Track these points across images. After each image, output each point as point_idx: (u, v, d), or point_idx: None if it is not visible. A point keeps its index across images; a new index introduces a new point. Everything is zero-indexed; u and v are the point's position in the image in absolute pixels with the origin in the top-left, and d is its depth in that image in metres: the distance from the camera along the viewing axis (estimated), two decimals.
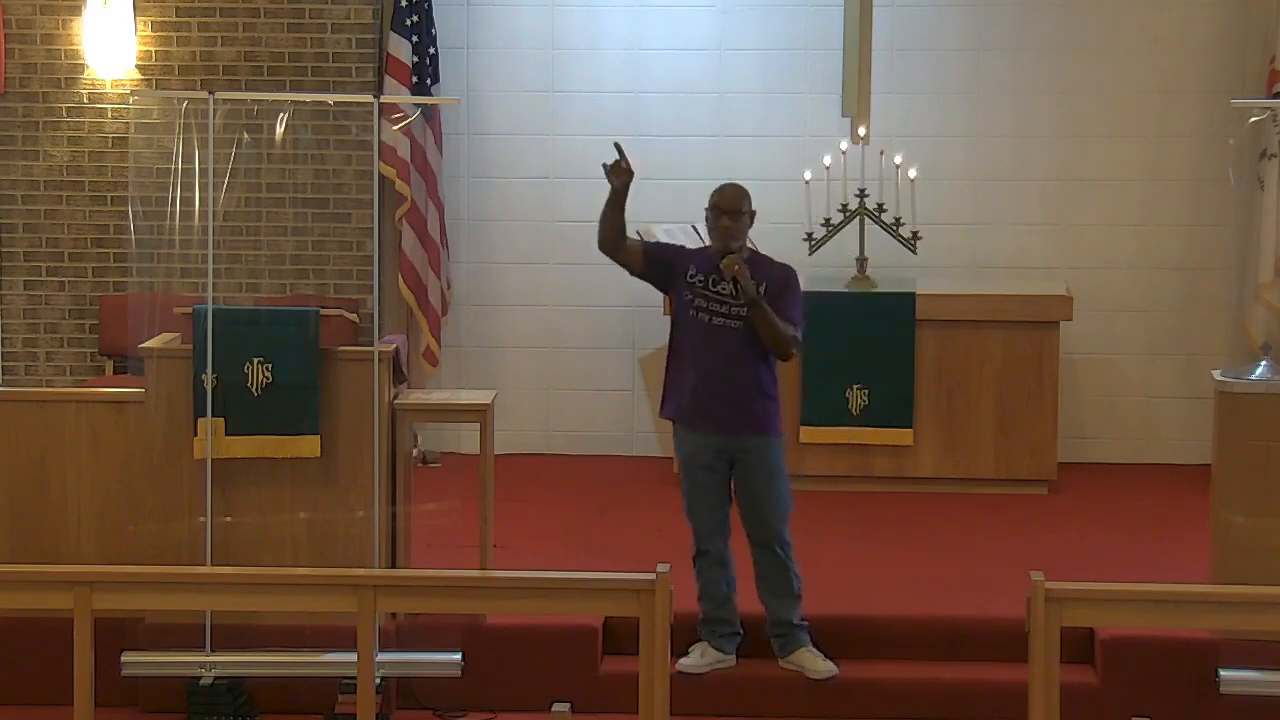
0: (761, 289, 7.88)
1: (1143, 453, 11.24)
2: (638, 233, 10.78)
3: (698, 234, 10.85)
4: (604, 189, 11.19)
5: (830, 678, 8.02)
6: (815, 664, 8.04)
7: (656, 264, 8.09)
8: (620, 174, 7.98)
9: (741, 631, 8.13)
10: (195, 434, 8.17)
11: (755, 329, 7.87)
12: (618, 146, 8.00)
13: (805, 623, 8.11)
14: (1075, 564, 8.93)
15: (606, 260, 11.31)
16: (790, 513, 8.06)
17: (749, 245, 8.12)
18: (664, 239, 10.70)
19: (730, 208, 7.96)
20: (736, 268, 7.83)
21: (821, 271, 10.60)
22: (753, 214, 8.06)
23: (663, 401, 8.17)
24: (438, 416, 9.85)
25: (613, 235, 8.04)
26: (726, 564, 8.07)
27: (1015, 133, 11.24)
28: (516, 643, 8.21)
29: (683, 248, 8.29)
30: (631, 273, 8.14)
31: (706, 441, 7.99)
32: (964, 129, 11.24)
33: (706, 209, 8.04)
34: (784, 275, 8.02)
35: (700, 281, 7.96)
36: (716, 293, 7.92)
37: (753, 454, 7.97)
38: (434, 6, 10.97)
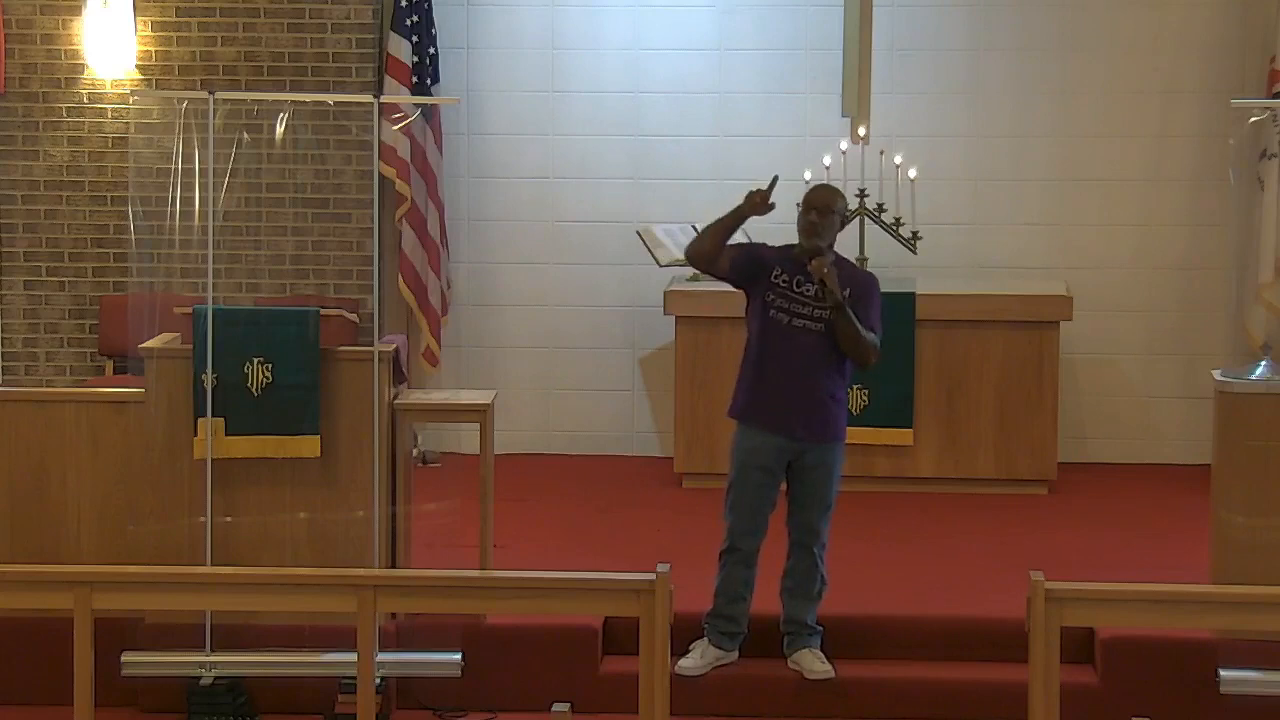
0: (845, 294, 7.82)
1: (1143, 453, 11.24)
2: (637, 233, 10.87)
3: (697, 234, 10.84)
4: (603, 188, 11.31)
5: (825, 680, 8.00)
6: (814, 665, 8.04)
7: (742, 264, 7.95)
8: (758, 206, 7.83)
9: (746, 633, 8.12)
10: (195, 434, 8.17)
11: (835, 333, 7.82)
12: (775, 180, 7.85)
13: (820, 628, 8.10)
14: (1075, 564, 8.93)
15: (606, 260, 11.41)
16: (832, 514, 8.05)
17: (833, 250, 8.03)
18: (663, 239, 10.72)
19: (820, 204, 7.88)
20: (825, 270, 7.76)
21: None
22: (845, 217, 8.04)
23: (734, 399, 8.05)
24: (438, 416, 9.85)
25: (713, 251, 7.90)
26: (752, 565, 8.04)
27: (1015, 133, 11.24)
28: (516, 643, 8.21)
29: (767, 246, 8.13)
30: (715, 275, 8.03)
31: (771, 443, 7.92)
32: (964, 129, 11.24)
33: (797, 204, 7.98)
34: (867, 282, 7.99)
35: (784, 282, 7.88)
36: (800, 294, 7.85)
37: (815, 457, 7.92)
38: (434, 6, 10.97)
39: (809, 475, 7.95)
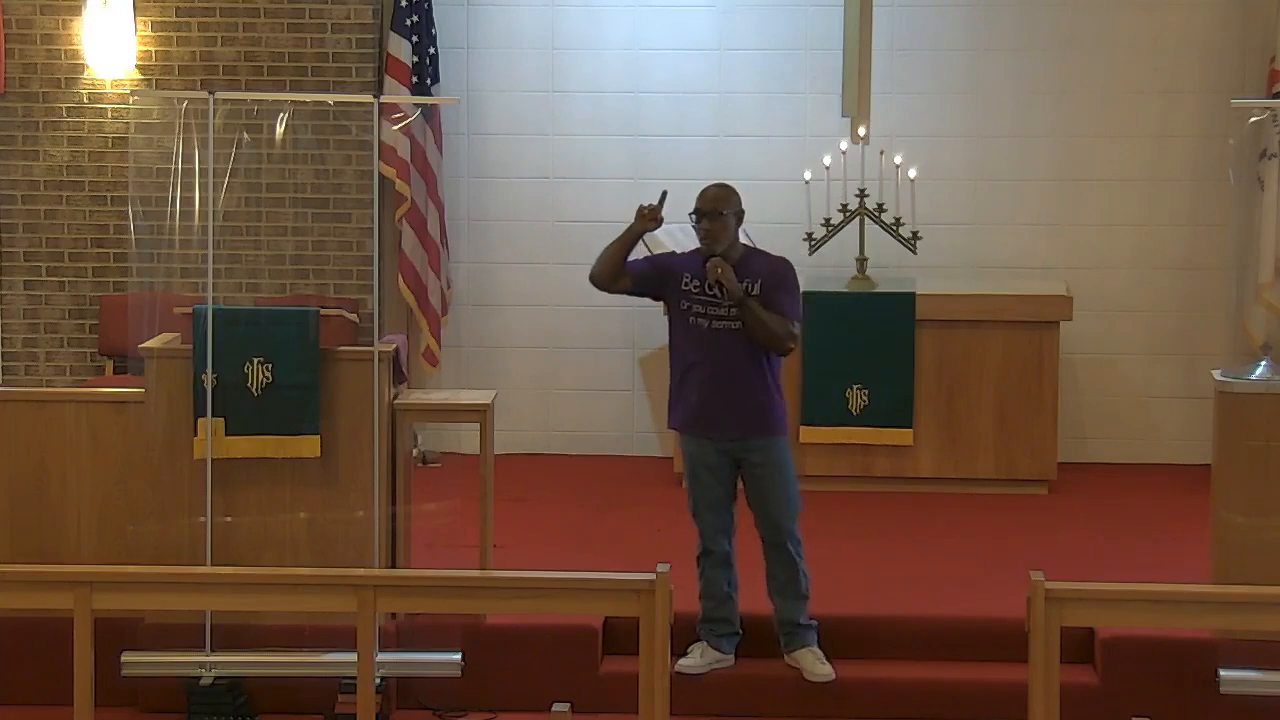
0: (756, 285, 7.85)
1: (1143, 453, 11.23)
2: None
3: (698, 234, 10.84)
4: (603, 188, 11.31)
5: (826, 682, 8.01)
6: (815, 666, 8.04)
7: (647, 278, 8.06)
8: (647, 221, 7.91)
9: (741, 631, 8.14)
10: (195, 434, 8.17)
11: (746, 328, 7.85)
12: (664, 195, 7.94)
13: (814, 623, 8.11)
14: (1075, 564, 8.93)
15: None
16: (800, 511, 8.06)
17: (744, 241, 8.07)
18: (665, 240, 10.71)
19: (709, 209, 7.92)
20: (719, 270, 7.81)
21: (821, 271, 10.60)
22: (739, 213, 7.98)
23: (669, 412, 8.14)
24: (438, 416, 9.85)
25: (612, 273, 8.01)
26: (730, 564, 8.07)
27: (1015, 133, 11.23)
28: (516, 643, 8.21)
29: (672, 255, 8.22)
30: (623, 293, 8.13)
31: (711, 444, 7.98)
32: (964, 129, 11.23)
33: (690, 212, 8.01)
34: (778, 268, 7.98)
35: (696, 288, 7.93)
36: (712, 296, 7.90)
37: (758, 454, 7.96)
38: (434, 6, 10.97)
39: (756, 473, 7.97)
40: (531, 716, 7.91)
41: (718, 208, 7.91)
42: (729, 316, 7.87)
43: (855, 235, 10.69)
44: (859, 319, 10.44)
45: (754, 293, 7.85)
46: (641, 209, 7.93)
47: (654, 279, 8.05)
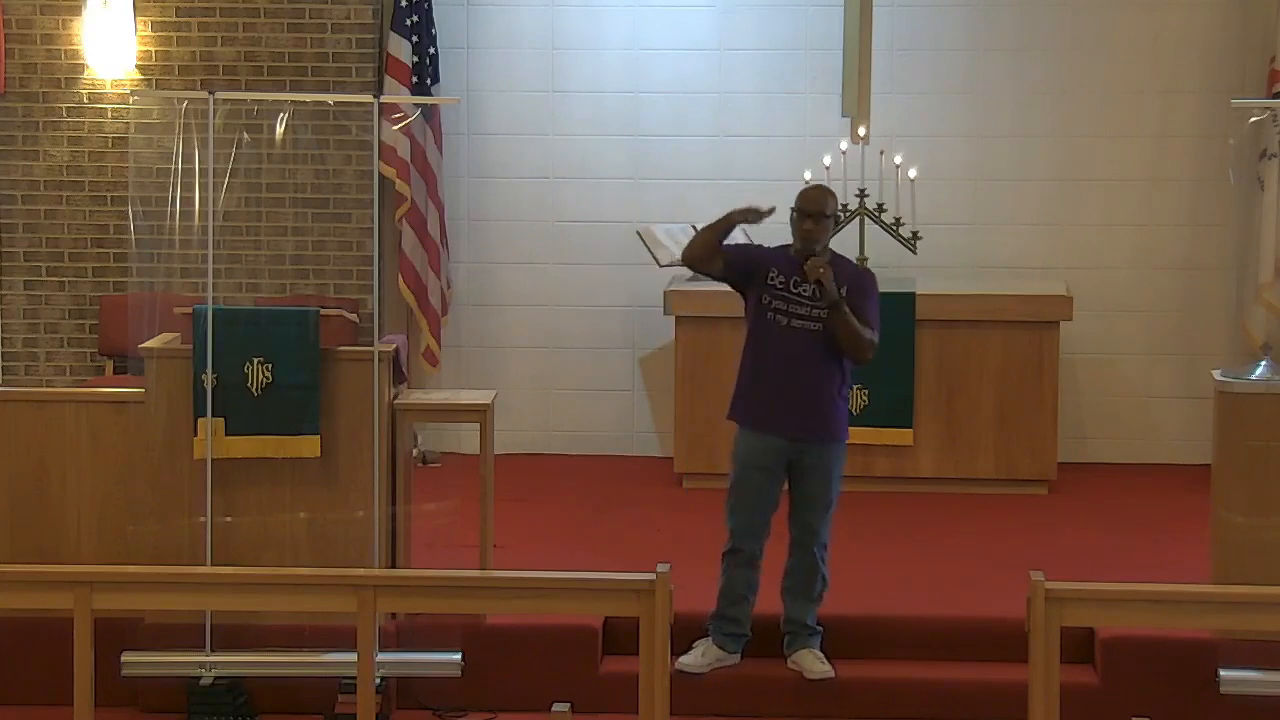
0: (842, 292, 7.84)
1: (1143, 453, 11.23)
2: (637, 233, 10.87)
3: (692, 237, 10.83)
4: (603, 188, 11.31)
5: (823, 679, 8.01)
6: (814, 666, 8.04)
7: (737, 265, 7.97)
8: (749, 218, 7.87)
9: (749, 634, 8.12)
10: (195, 434, 8.17)
11: (832, 332, 7.82)
12: (772, 210, 7.88)
13: (820, 628, 8.10)
14: (1075, 564, 8.93)
15: (606, 260, 11.40)
16: (833, 514, 8.06)
17: (829, 248, 8.04)
18: (663, 239, 10.72)
19: (813, 210, 7.90)
20: (821, 270, 7.78)
21: None
22: (837, 217, 8.06)
23: (733, 404, 8.08)
24: (438, 416, 9.85)
25: (706, 253, 7.93)
26: (756, 567, 8.04)
27: (1015, 133, 11.24)
28: (516, 643, 8.21)
29: (762, 248, 8.13)
30: (712, 276, 8.07)
31: (770, 443, 7.93)
32: (964, 129, 11.24)
33: (791, 209, 7.98)
34: (864, 279, 8.01)
35: (781, 283, 7.89)
36: (797, 295, 7.86)
37: (814, 458, 7.93)
38: (434, 6, 10.97)
39: (808, 476, 7.95)
40: (531, 716, 7.91)
41: (822, 209, 7.91)
42: (809, 316, 7.84)
43: (855, 235, 10.69)
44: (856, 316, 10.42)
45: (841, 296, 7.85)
46: (750, 211, 7.86)
47: (745, 266, 7.96)
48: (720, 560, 8.07)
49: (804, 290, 7.85)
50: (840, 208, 10.67)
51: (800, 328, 7.86)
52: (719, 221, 7.92)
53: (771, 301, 7.89)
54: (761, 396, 7.94)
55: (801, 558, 8.02)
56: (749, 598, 8.07)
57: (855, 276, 7.99)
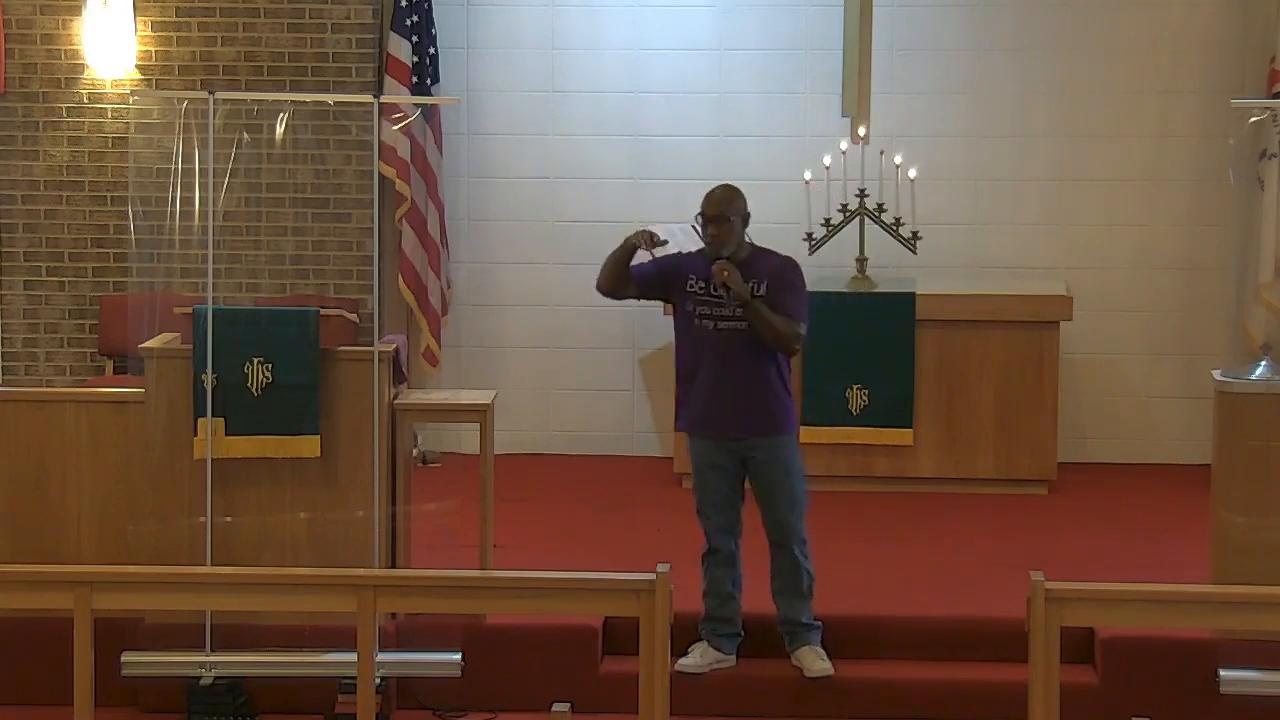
0: (762, 286, 7.86)
1: (1143, 453, 11.23)
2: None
3: (697, 233, 10.83)
4: (603, 188, 11.31)
5: (824, 677, 8.01)
6: (814, 663, 8.04)
7: (651, 282, 8.08)
8: (646, 246, 7.97)
9: (742, 633, 8.13)
10: (195, 434, 8.17)
11: (753, 328, 7.86)
12: (665, 244, 8.02)
13: (817, 622, 8.11)
14: (1075, 564, 8.93)
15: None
16: (805, 510, 8.06)
17: (749, 242, 8.06)
18: (663, 238, 10.71)
19: (714, 214, 7.92)
20: (725, 274, 7.81)
21: (821, 271, 10.59)
22: (746, 216, 7.99)
23: (676, 416, 8.16)
24: (438, 416, 9.85)
25: (614, 283, 8.04)
26: (734, 563, 8.07)
27: (1015, 133, 11.24)
28: (516, 643, 8.21)
29: (678, 256, 8.20)
30: (629, 298, 8.18)
31: (717, 443, 7.98)
32: (964, 129, 11.23)
33: (696, 214, 8.01)
34: (784, 268, 7.99)
35: (701, 288, 7.93)
36: (717, 298, 7.90)
37: (764, 453, 7.96)
38: (434, 6, 10.97)
39: (763, 472, 7.98)
40: (531, 716, 7.91)
41: (723, 211, 7.92)
42: (735, 317, 7.87)
43: (855, 235, 10.69)
44: (859, 319, 10.44)
45: (760, 293, 7.85)
46: (645, 235, 7.94)
47: (659, 282, 8.07)
48: (700, 564, 8.08)
49: (718, 292, 7.90)
50: (843, 208, 10.74)
51: (728, 328, 7.90)
52: (618, 249, 8.00)
53: (696, 308, 7.94)
54: (701, 402, 7.99)
55: (782, 557, 8.03)
56: (736, 595, 8.09)
57: (777, 270, 7.97)
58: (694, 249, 8.13)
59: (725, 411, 7.94)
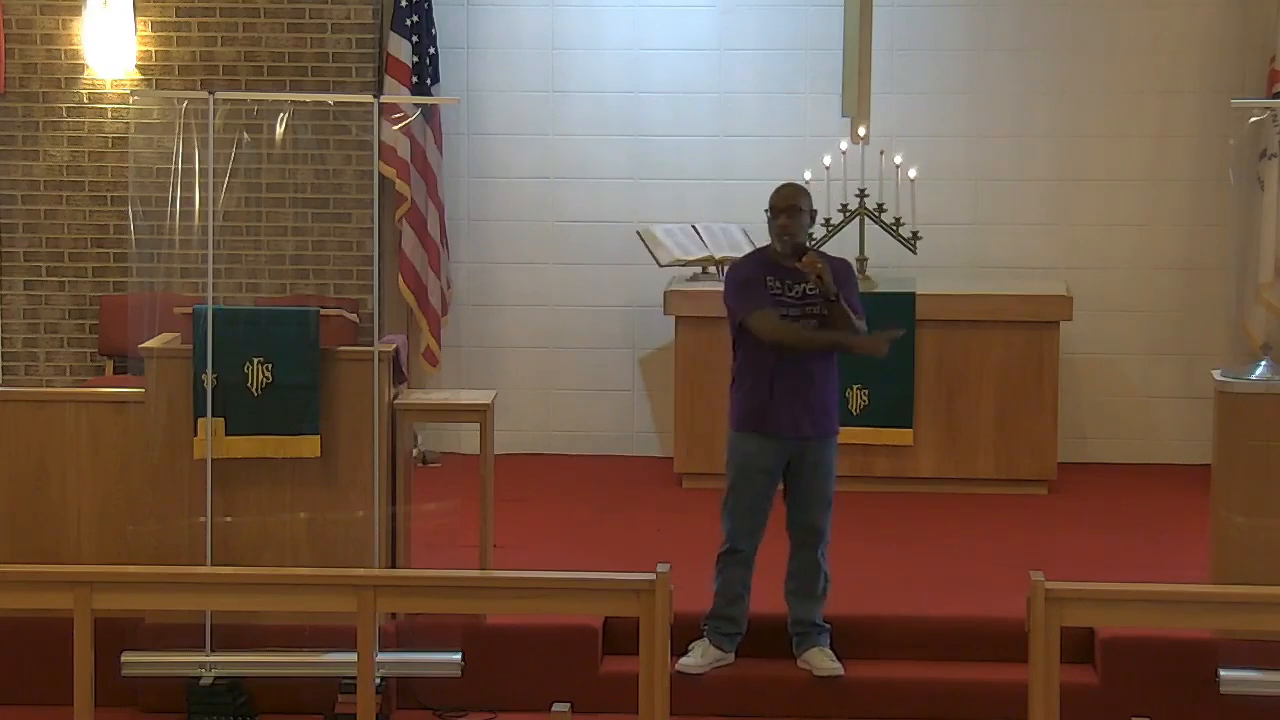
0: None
1: (1143, 453, 11.23)
2: (638, 233, 10.86)
3: (697, 233, 10.87)
4: (603, 188, 11.31)
5: (835, 676, 8.01)
6: (823, 663, 8.04)
7: (754, 298, 7.93)
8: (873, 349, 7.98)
9: (744, 633, 8.13)
10: (195, 434, 8.17)
11: (833, 324, 7.84)
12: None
13: (828, 626, 8.12)
14: (1075, 564, 8.93)
15: (606, 260, 11.43)
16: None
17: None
18: (663, 239, 10.72)
19: (786, 205, 7.91)
20: (820, 265, 7.79)
21: None
22: (814, 212, 8.06)
23: (735, 415, 8.04)
24: (438, 416, 9.85)
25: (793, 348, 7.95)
26: (750, 566, 8.05)
27: (1015, 133, 11.24)
28: (516, 643, 8.21)
29: (742, 267, 8.10)
30: None
31: (774, 445, 7.94)
32: (964, 129, 11.23)
33: (765, 210, 7.99)
34: (844, 268, 8.02)
35: (779, 288, 7.90)
36: (793, 297, 7.88)
37: (815, 454, 7.96)
38: (434, 6, 10.97)
39: (810, 473, 7.97)
40: (531, 716, 7.90)
41: (796, 203, 7.92)
42: (809, 315, 7.87)
43: (855, 235, 10.69)
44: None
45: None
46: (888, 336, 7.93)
47: (757, 293, 7.92)
48: (715, 561, 8.07)
49: (798, 291, 7.87)
50: (843, 208, 10.74)
51: (804, 327, 7.89)
52: (831, 343, 7.90)
53: (778, 310, 7.90)
54: (770, 400, 7.93)
55: (806, 558, 8.03)
56: (745, 597, 8.09)
57: (839, 267, 8.01)
58: (749, 251, 8.02)
59: (797, 411, 7.89)
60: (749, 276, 7.99)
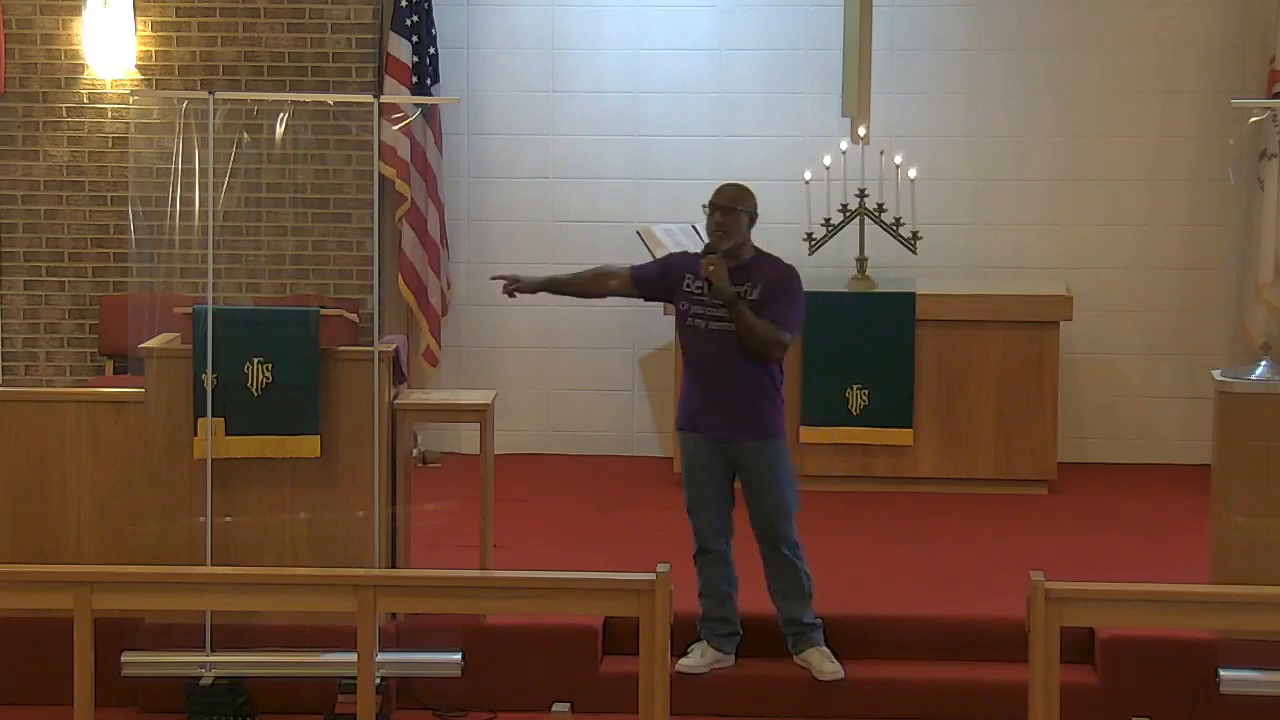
0: (755, 291, 7.84)
1: (1143, 453, 11.23)
2: (637, 233, 10.86)
3: (697, 234, 10.85)
4: (603, 188, 11.33)
5: (836, 680, 8.01)
6: (823, 665, 8.04)
7: (649, 285, 8.14)
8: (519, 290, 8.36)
9: (741, 632, 8.13)
10: (195, 434, 8.17)
11: (736, 330, 7.86)
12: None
13: (819, 621, 8.11)
14: (1075, 564, 8.93)
15: (606, 260, 11.32)
16: (795, 513, 8.05)
17: (753, 245, 8.05)
18: (664, 239, 10.72)
19: (722, 202, 7.93)
20: (711, 268, 7.82)
21: (821, 271, 10.59)
22: (753, 215, 8.00)
23: (676, 413, 8.22)
24: (438, 416, 9.85)
25: (583, 293, 8.38)
26: (727, 563, 8.08)
27: (1015, 133, 11.24)
28: (516, 643, 8.21)
29: (680, 255, 8.26)
30: (632, 296, 8.26)
31: (707, 444, 7.99)
32: (964, 129, 11.24)
33: (703, 205, 8.03)
34: (782, 274, 7.98)
35: (697, 289, 7.94)
36: (707, 296, 7.91)
37: (752, 457, 7.96)
38: (434, 6, 10.97)
39: (751, 476, 7.99)
40: (531, 716, 7.91)
41: (732, 203, 7.93)
42: (726, 318, 7.87)
43: (855, 235, 10.69)
44: (859, 319, 10.44)
45: (752, 297, 7.83)
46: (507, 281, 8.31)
47: (662, 282, 8.10)
48: (693, 564, 8.08)
49: (704, 285, 7.91)
50: (843, 208, 10.73)
51: (719, 329, 7.89)
52: (547, 283, 8.47)
53: (690, 307, 7.95)
54: (692, 400, 8.02)
55: (775, 559, 8.03)
56: (732, 594, 8.09)
57: (776, 276, 7.96)
58: (700, 249, 8.10)
59: (714, 412, 7.94)
60: (672, 261, 8.18)
